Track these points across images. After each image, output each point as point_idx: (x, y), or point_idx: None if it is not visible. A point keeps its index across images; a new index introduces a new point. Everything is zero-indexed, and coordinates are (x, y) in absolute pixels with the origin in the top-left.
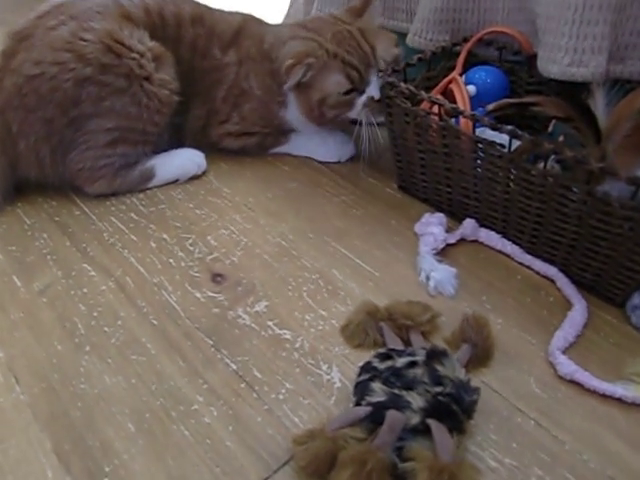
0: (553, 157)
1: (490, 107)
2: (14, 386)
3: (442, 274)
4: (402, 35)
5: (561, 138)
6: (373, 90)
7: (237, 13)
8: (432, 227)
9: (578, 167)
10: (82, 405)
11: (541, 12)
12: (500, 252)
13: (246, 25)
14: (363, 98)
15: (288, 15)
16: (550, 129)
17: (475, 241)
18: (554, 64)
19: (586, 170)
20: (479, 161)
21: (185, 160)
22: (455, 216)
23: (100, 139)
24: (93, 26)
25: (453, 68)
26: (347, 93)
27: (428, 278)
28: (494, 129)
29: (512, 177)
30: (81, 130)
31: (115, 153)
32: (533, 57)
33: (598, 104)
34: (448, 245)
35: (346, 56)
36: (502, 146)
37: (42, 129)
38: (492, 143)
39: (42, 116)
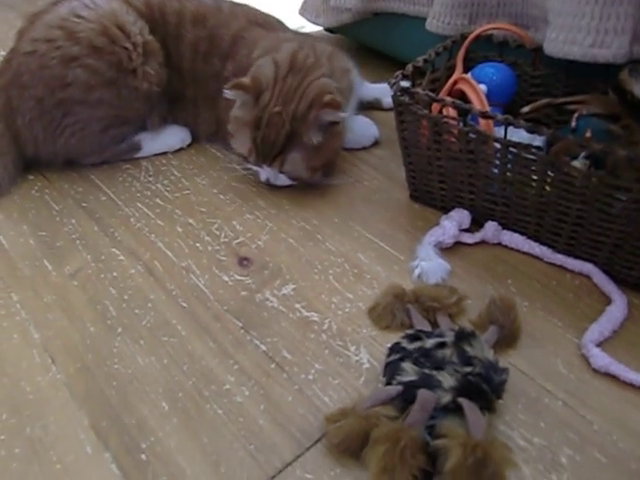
0: (583, 154)
1: (526, 109)
2: (50, 366)
3: (432, 266)
4: (423, 20)
5: (588, 134)
6: (261, 173)
7: (243, 15)
8: (446, 221)
9: (631, 166)
10: (117, 384)
11: None
12: (527, 254)
13: (246, 31)
14: (254, 168)
15: (305, 2)
16: (573, 124)
17: (498, 244)
18: (573, 45)
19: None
20: (509, 165)
21: (169, 135)
22: (479, 223)
23: (94, 126)
24: (97, 2)
25: (454, 67)
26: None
27: (417, 266)
28: (531, 132)
29: (549, 180)
30: (72, 116)
31: (108, 136)
32: (536, 50)
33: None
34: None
35: (259, 138)
36: (539, 149)
37: (35, 108)
38: (527, 146)
39: (34, 94)
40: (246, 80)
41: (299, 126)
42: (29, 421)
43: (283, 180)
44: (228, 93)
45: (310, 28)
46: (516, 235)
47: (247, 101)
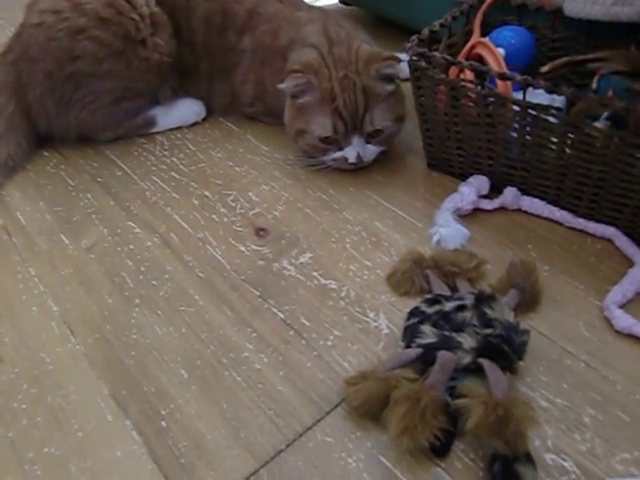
0: (605, 115)
1: (545, 68)
2: (69, 337)
3: (451, 232)
4: None
5: (610, 93)
6: (350, 152)
7: None
8: (464, 187)
9: None
10: (135, 354)
11: None
12: (548, 219)
13: (261, 5)
14: (338, 155)
15: None
16: (594, 85)
17: (518, 210)
18: (595, 5)
19: None
20: (528, 128)
21: (184, 110)
22: (498, 189)
23: (105, 99)
24: None
25: (471, 32)
26: (326, 140)
27: (436, 232)
28: (551, 92)
29: (569, 142)
30: (83, 89)
31: (120, 109)
32: (555, 13)
33: None
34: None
35: (341, 105)
36: (558, 110)
37: (45, 81)
38: (547, 107)
39: (43, 68)
40: (296, 65)
41: (367, 81)
42: (50, 390)
43: (371, 152)
44: (284, 84)
45: (325, 0)
46: (536, 200)
47: (308, 83)
